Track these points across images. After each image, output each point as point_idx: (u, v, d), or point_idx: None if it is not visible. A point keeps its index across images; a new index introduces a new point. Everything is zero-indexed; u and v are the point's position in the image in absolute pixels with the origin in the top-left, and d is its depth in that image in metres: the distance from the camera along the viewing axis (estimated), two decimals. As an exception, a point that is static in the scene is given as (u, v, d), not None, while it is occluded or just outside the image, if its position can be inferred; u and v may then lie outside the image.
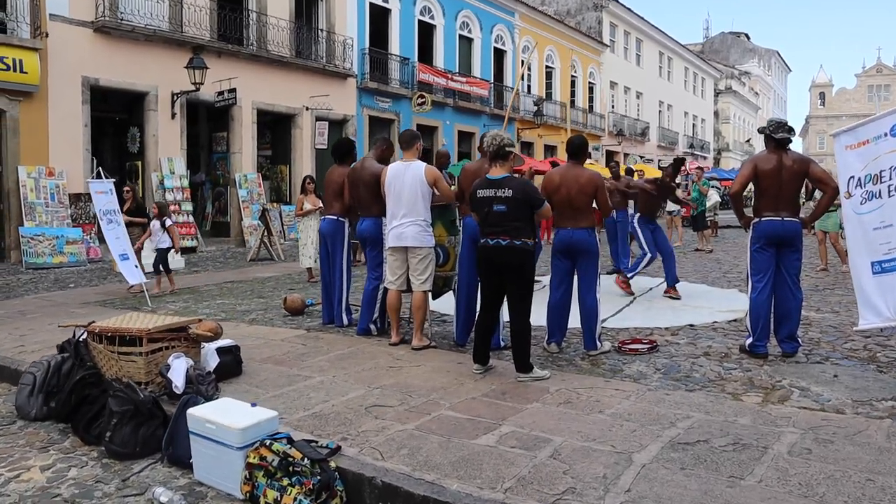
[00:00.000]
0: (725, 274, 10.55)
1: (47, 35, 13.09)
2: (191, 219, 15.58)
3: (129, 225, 9.00)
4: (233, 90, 15.91)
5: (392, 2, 21.70)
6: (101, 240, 13.63)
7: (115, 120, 16.38)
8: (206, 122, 18.15)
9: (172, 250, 9.21)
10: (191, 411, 3.46)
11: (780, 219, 4.94)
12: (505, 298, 4.58)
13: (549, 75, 30.58)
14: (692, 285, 9.01)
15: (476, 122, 25.58)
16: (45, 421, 4.25)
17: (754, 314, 5.04)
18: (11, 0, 12.89)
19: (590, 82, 33.55)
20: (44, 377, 4.35)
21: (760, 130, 5.24)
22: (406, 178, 5.23)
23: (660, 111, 40.96)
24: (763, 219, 5.00)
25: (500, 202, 4.41)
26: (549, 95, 30.23)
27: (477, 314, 4.78)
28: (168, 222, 9.08)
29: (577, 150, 5.35)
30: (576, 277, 5.23)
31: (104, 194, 8.31)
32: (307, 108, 18.61)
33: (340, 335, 6.00)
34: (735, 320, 6.50)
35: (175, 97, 15.34)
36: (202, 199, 18.29)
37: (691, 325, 6.31)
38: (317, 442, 3.26)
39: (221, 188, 17.72)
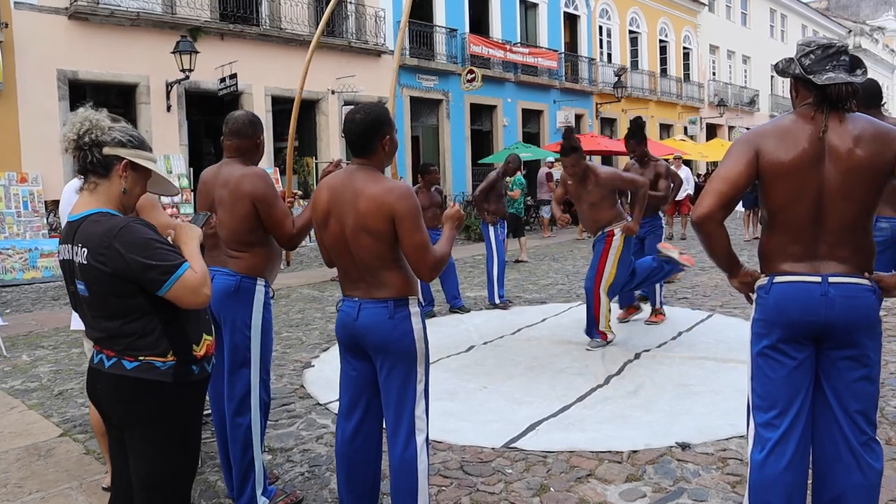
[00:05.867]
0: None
1: (7, 26, 11.66)
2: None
3: None
4: (234, 76, 14.03)
5: (435, -34, 19.18)
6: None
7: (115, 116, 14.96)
8: (220, 115, 16.44)
9: None
10: None
11: (818, 280, 2.14)
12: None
13: (633, 42, 26.92)
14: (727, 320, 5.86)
15: (545, 97, 22.59)
16: None
17: (759, 500, 2.22)
18: (-27, -10, 11.58)
19: (684, 47, 29.45)
20: None
21: (781, 71, 2.26)
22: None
23: (772, 77, 35.77)
24: (777, 280, 2.21)
25: (80, 275, 1.94)
26: (634, 65, 26.62)
27: None
28: None
29: (363, 131, 2.43)
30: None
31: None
32: (333, 92, 16.50)
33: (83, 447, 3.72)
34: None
35: (169, 87, 13.65)
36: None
37: (681, 448, 3.32)
38: None
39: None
